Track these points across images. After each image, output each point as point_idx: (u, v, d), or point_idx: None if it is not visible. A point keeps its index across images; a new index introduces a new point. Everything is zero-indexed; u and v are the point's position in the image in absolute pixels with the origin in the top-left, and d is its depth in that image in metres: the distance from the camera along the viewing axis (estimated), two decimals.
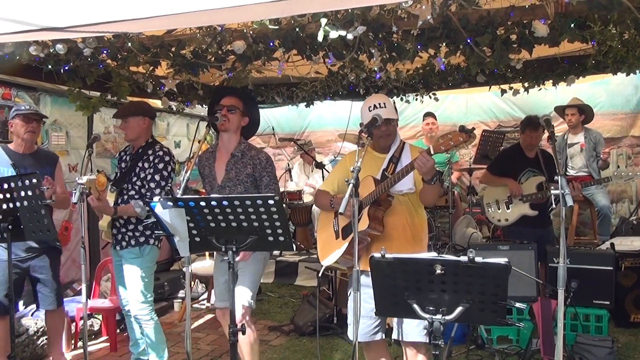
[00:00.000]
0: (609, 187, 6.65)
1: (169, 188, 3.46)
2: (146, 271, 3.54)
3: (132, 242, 3.53)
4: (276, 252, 6.62)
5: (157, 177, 3.49)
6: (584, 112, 5.93)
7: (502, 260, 1.97)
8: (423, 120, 6.82)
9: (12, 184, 3.02)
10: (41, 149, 4.02)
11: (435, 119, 6.73)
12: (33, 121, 3.62)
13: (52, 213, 3.76)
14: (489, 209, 4.74)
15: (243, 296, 3.21)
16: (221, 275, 3.34)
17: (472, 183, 6.61)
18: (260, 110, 4.02)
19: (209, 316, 5.35)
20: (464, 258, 1.98)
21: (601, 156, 5.75)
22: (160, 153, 3.54)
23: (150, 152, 3.56)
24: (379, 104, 2.86)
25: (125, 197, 3.54)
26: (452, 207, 6.06)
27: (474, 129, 2.53)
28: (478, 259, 1.96)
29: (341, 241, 2.89)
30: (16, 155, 3.64)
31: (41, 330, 4.17)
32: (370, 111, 2.84)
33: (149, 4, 2.17)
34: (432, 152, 2.56)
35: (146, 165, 3.53)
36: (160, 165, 3.50)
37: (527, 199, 4.50)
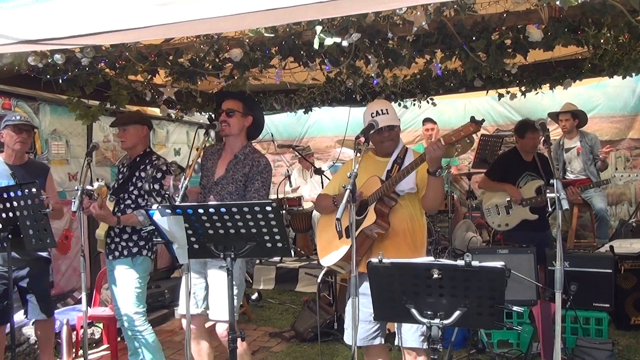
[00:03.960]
0: (608, 190, 6.66)
1: (167, 195, 3.48)
2: (138, 282, 3.52)
3: (125, 252, 3.51)
4: (277, 259, 6.64)
5: (156, 187, 3.50)
6: (578, 117, 5.94)
7: (499, 263, 1.98)
8: (423, 125, 6.87)
9: (12, 194, 3.04)
10: (32, 160, 4.00)
11: (435, 124, 6.77)
12: (23, 132, 3.62)
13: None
14: (489, 214, 4.74)
15: (222, 313, 3.14)
16: (196, 280, 3.33)
17: (472, 187, 6.62)
18: None
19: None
20: (460, 262, 1.99)
21: (600, 156, 5.77)
22: (158, 162, 3.55)
23: (147, 161, 3.57)
24: (381, 110, 2.87)
25: (122, 205, 3.54)
26: (452, 211, 6.07)
27: (483, 120, 2.57)
28: (475, 263, 1.98)
29: (344, 240, 2.85)
30: (7, 166, 3.63)
31: None
32: (372, 117, 2.86)
33: (145, 14, 2.19)
34: (443, 143, 2.60)
35: (143, 174, 3.53)
36: (159, 175, 3.51)
37: (526, 203, 4.51)
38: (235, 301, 3.20)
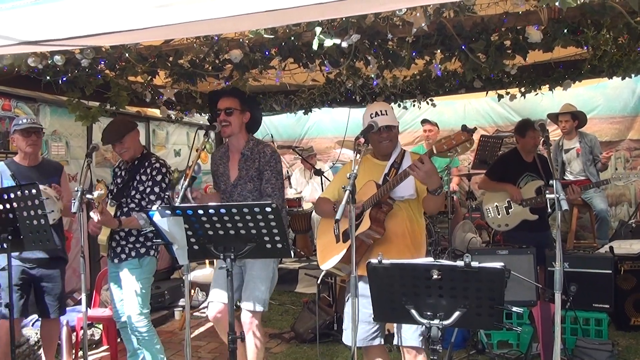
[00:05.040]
0: (608, 191, 6.66)
1: (167, 197, 3.49)
2: (144, 282, 3.54)
3: (132, 253, 3.53)
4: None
5: (156, 190, 3.51)
6: (577, 118, 5.95)
7: (498, 264, 1.99)
8: (422, 126, 6.88)
9: (12, 195, 3.04)
10: (46, 160, 4.07)
11: (433, 125, 6.78)
12: (32, 134, 3.66)
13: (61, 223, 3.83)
14: (489, 215, 4.74)
15: (252, 302, 3.24)
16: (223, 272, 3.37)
17: (471, 188, 6.62)
18: None
19: (210, 324, 5.34)
20: (460, 263, 1.99)
21: (601, 159, 5.77)
22: (157, 165, 3.55)
23: (146, 164, 3.57)
24: (380, 111, 2.89)
25: (125, 209, 3.55)
26: (452, 212, 6.07)
27: (475, 128, 2.55)
28: (474, 264, 1.98)
29: (342, 245, 2.89)
30: (22, 168, 3.69)
31: None
32: (371, 118, 2.88)
33: (145, 15, 2.20)
34: (434, 151, 2.58)
35: (144, 177, 3.54)
36: (159, 177, 3.52)
37: (527, 204, 4.51)
38: (269, 294, 3.32)
